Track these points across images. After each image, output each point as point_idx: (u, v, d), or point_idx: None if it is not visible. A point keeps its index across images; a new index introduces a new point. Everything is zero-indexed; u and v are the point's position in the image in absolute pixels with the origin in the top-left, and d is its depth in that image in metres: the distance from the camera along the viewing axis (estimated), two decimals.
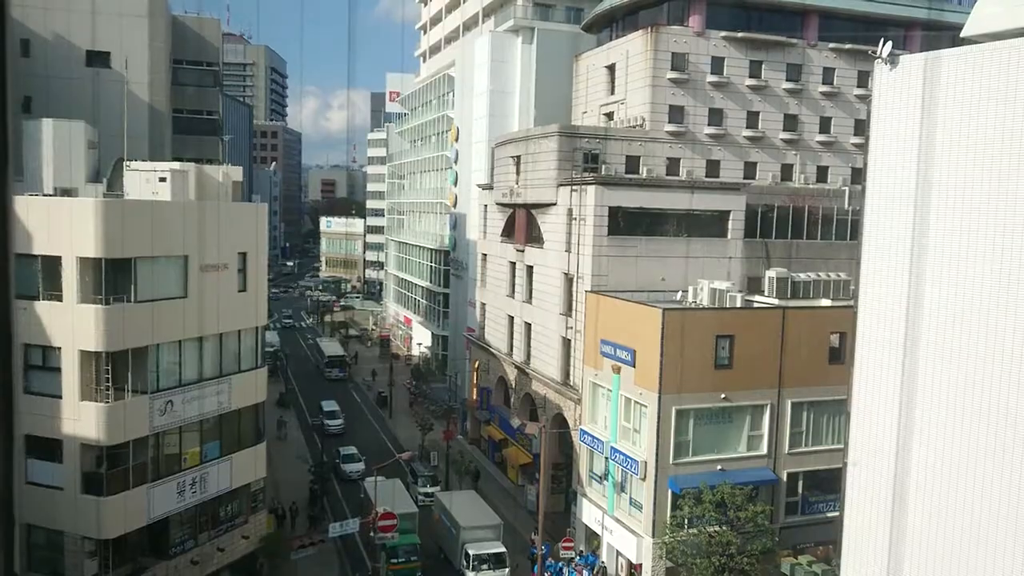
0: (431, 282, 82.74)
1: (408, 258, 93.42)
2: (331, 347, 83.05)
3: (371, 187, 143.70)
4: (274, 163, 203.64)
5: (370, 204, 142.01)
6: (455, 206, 73.91)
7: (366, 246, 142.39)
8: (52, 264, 28.93)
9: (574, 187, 42.17)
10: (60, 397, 29.17)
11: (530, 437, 43.98)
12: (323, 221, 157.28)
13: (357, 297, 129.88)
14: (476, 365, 57.86)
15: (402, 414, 66.71)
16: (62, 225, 28.78)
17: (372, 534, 35.01)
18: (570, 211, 42.65)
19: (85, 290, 28.73)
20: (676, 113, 46.68)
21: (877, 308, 25.90)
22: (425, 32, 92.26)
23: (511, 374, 51.51)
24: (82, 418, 28.92)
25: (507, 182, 50.87)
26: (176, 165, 35.03)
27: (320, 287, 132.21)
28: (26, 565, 30.11)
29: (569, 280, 43.16)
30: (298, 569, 39.47)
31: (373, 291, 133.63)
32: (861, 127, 47.31)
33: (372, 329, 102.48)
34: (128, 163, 36.14)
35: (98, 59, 51.65)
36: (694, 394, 34.86)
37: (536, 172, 46.22)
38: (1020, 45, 20.22)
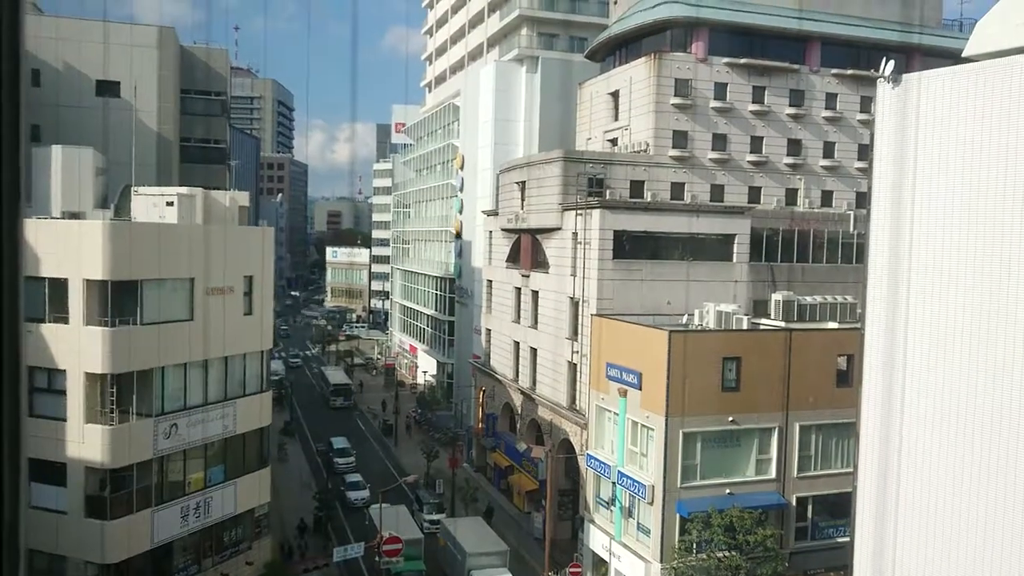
0: (436, 310, 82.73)
1: (413, 287, 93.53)
2: (336, 375, 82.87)
3: (376, 217, 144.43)
4: (280, 194, 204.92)
5: (376, 234, 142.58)
6: (460, 234, 74.12)
7: (372, 276, 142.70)
8: (59, 286, 29.04)
9: (579, 211, 42.29)
10: (65, 420, 29.14)
11: (536, 462, 43.69)
12: (328, 251, 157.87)
13: (362, 327, 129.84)
14: (482, 391, 57.63)
15: (407, 442, 66.38)
16: (70, 247, 28.94)
17: (377, 559, 34.63)
18: (575, 235, 42.73)
19: (91, 312, 28.80)
20: (680, 138, 46.93)
21: (884, 330, 25.83)
22: (431, 63, 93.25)
23: (517, 400, 51.27)
24: (87, 441, 28.84)
25: (512, 208, 51.06)
26: (183, 190, 35.26)
27: (325, 317, 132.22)
28: None
29: (575, 304, 43.11)
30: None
31: (378, 321, 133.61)
32: (864, 152, 47.51)
33: (377, 358, 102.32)
34: (136, 188, 36.39)
35: (108, 88, 52.28)
36: (701, 417, 34.61)
37: (540, 197, 46.40)
38: (1021, 61, 20.33)
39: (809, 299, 41.52)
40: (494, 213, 56.36)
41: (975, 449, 22.32)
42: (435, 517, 46.15)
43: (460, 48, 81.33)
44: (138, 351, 29.46)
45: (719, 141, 47.86)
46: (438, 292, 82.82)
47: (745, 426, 35.44)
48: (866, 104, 49.14)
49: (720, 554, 31.76)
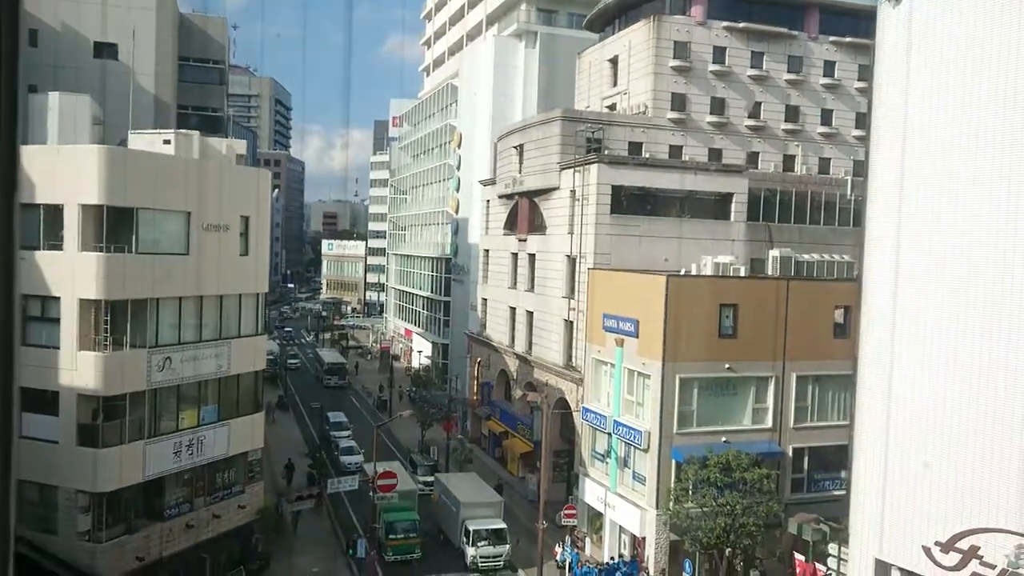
0: (432, 292, 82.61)
1: (409, 271, 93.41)
2: (330, 356, 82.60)
3: (373, 209, 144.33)
4: (277, 190, 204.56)
5: (372, 227, 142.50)
6: (457, 212, 74.05)
7: (367, 268, 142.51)
8: (54, 213, 28.81)
9: (577, 168, 42.23)
10: (58, 348, 28.84)
11: (532, 408, 43.29)
12: (324, 244, 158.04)
13: (357, 317, 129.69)
14: (477, 362, 57.44)
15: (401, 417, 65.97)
16: (65, 172, 28.76)
17: (372, 493, 34.42)
18: (573, 192, 42.66)
19: (86, 238, 28.58)
20: (678, 101, 46.97)
21: (881, 282, 25.68)
22: (429, 47, 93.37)
23: (512, 365, 51.10)
24: (80, 368, 28.57)
25: (510, 173, 50.99)
26: (180, 131, 35.09)
27: (321, 307, 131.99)
28: (18, 523, 29.47)
29: (572, 261, 43.00)
30: (295, 546, 38.80)
31: (373, 312, 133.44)
32: (862, 121, 47.55)
33: (372, 344, 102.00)
34: (132, 132, 36.24)
35: (106, 50, 52.16)
36: (698, 363, 34.49)
37: (539, 158, 46.35)
38: None
39: (807, 256, 41.50)
40: (491, 182, 56.31)
41: (970, 397, 22.20)
42: (428, 478, 45.89)
43: (459, 29, 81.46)
44: (133, 280, 29.23)
45: (717, 105, 47.91)
46: (434, 274, 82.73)
47: (742, 374, 35.32)
48: (864, 72, 49.21)
49: (716, 498, 31.38)
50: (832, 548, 27.42)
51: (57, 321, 28.95)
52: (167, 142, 33.58)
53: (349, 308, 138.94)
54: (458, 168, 73.84)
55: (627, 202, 41.20)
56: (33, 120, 38.15)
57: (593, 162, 40.95)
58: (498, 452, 53.61)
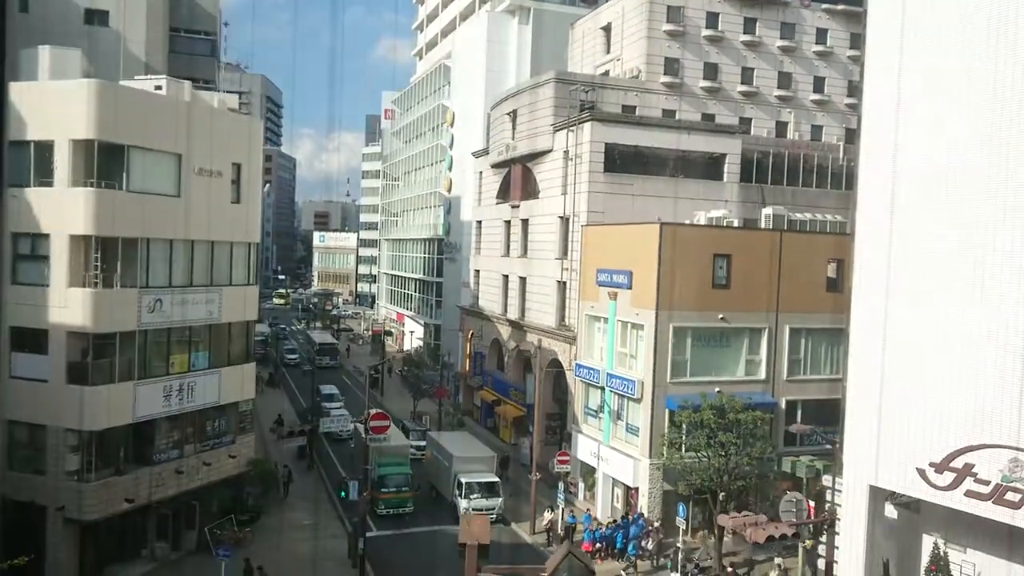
0: (424, 274, 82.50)
1: (401, 255, 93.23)
2: (322, 336, 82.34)
3: (365, 201, 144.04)
4: (268, 185, 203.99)
5: (364, 218, 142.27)
6: (450, 191, 73.96)
7: (359, 260, 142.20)
8: (44, 149, 28.60)
9: (571, 128, 42.21)
10: (47, 286, 28.59)
11: (525, 371, 43.10)
12: (316, 236, 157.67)
13: (350, 307, 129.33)
14: (470, 334, 57.31)
15: (394, 393, 65.86)
16: (56, 108, 28.56)
17: (365, 435, 34.26)
18: (566, 153, 42.63)
19: (77, 174, 28.36)
20: (671, 65, 47.05)
21: (875, 235, 25.56)
22: (422, 31, 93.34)
23: (505, 333, 50.97)
24: (70, 305, 28.31)
25: (503, 141, 50.93)
26: (172, 78, 34.89)
27: (313, 298, 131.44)
28: (6, 463, 29.21)
29: (565, 222, 42.96)
30: (286, 503, 38.56)
31: (364, 304, 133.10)
32: (854, 89, 47.70)
33: (364, 331, 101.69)
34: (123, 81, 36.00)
35: (96, 17, 51.85)
36: (691, 312, 34.44)
37: (533, 122, 46.30)
38: None
39: (799, 215, 41.56)
40: (484, 152, 56.25)
41: (964, 349, 22.16)
42: (420, 443, 45.69)
43: (452, 10, 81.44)
44: (123, 217, 28.98)
45: (710, 70, 48.00)
46: (426, 255, 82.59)
47: (735, 325, 35.31)
48: (856, 41, 49.42)
49: (711, 438, 31.02)
50: (827, 480, 27.37)
51: (47, 259, 28.71)
52: (158, 88, 33.39)
53: (340, 300, 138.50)
54: (451, 147, 73.77)
55: (620, 161, 41.20)
56: (23, 75, 37.91)
57: (587, 120, 40.94)
58: (490, 422, 53.49)
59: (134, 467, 30.39)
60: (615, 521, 34.31)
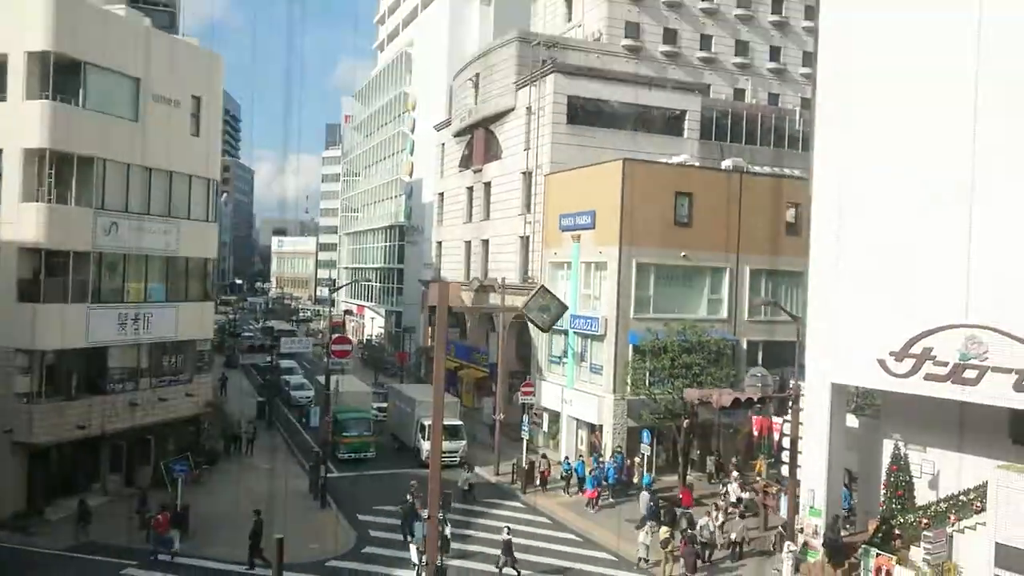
0: (385, 262, 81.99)
1: (362, 247, 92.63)
2: (281, 324, 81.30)
3: (324, 204, 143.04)
4: (225, 195, 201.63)
5: (323, 221, 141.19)
6: (411, 175, 73.81)
7: (318, 264, 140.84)
8: None
9: (533, 83, 42.47)
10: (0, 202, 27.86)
11: (484, 349, 42.91)
12: (274, 240, 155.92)
13: (308, 310, 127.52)
14: (429, 307, 56.93)
15: (355, 376, 65.00)
16: (11, 20, 27.94)
17: (327, 359, 33.75)
18: (528, 109, 42.86)
19: (31, 88, 27.75)
20: (632, 29, 47.75)
21: (833, 178, 26.05)
22: (383, 23, 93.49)
23: (468, 299, 50.69)
24: (22, 220, 27.59)
25: (466, 107, 51.04)
26: (132, 8, 34.43)
27: (271, 304, 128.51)
28: None
29: (528, 177, 43.08)
30: (251, 457, 37.71)
31: (324, 305, 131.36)
32: (810, 60, 48.86)
33: (324, 329, 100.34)
34: None
35: None
36: (654, 249, 34.68)
37: (496, 82, 46.50)
38: None
39: (758, 168, 42.17)
40: (446, 124, 56.31)
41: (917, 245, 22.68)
42: (382, 404, 45.15)
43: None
44: (79, 134, 28.36)
45: (669, 35, 48.80)
46: (387, 244, 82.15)
47: (697, 263, 35.60)
48: (810, 12, 50.69)
49: (675, 360, 30.98)
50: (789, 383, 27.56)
51: None
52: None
53: (298, 304, 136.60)
54: (412, 132, 73.72)
55: (583, 115, 41.51)
56: None
57: (549, 72, 41.24)
58: (453, 391, 52.93)
59: (87, 396, 29.51)
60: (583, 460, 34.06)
